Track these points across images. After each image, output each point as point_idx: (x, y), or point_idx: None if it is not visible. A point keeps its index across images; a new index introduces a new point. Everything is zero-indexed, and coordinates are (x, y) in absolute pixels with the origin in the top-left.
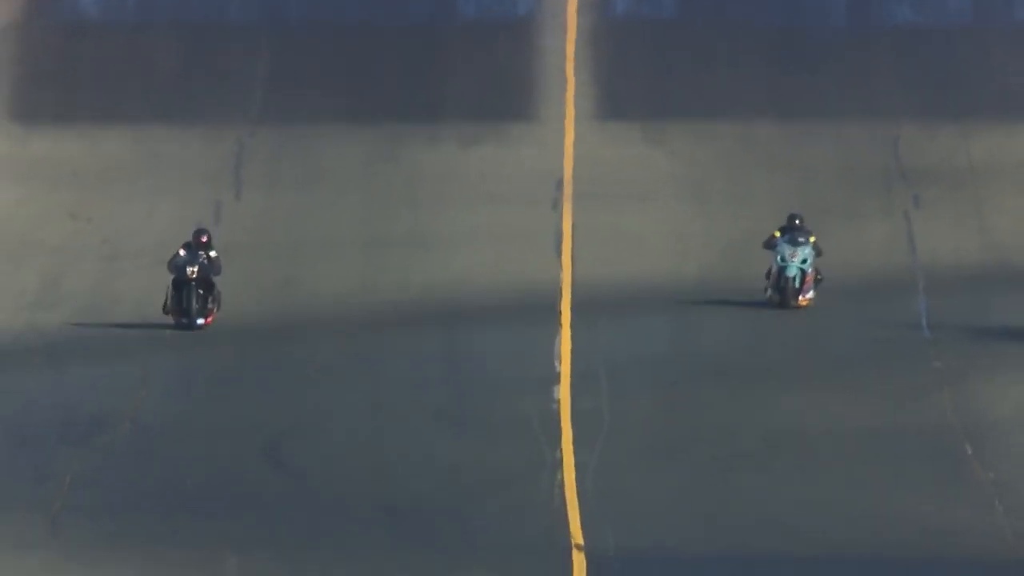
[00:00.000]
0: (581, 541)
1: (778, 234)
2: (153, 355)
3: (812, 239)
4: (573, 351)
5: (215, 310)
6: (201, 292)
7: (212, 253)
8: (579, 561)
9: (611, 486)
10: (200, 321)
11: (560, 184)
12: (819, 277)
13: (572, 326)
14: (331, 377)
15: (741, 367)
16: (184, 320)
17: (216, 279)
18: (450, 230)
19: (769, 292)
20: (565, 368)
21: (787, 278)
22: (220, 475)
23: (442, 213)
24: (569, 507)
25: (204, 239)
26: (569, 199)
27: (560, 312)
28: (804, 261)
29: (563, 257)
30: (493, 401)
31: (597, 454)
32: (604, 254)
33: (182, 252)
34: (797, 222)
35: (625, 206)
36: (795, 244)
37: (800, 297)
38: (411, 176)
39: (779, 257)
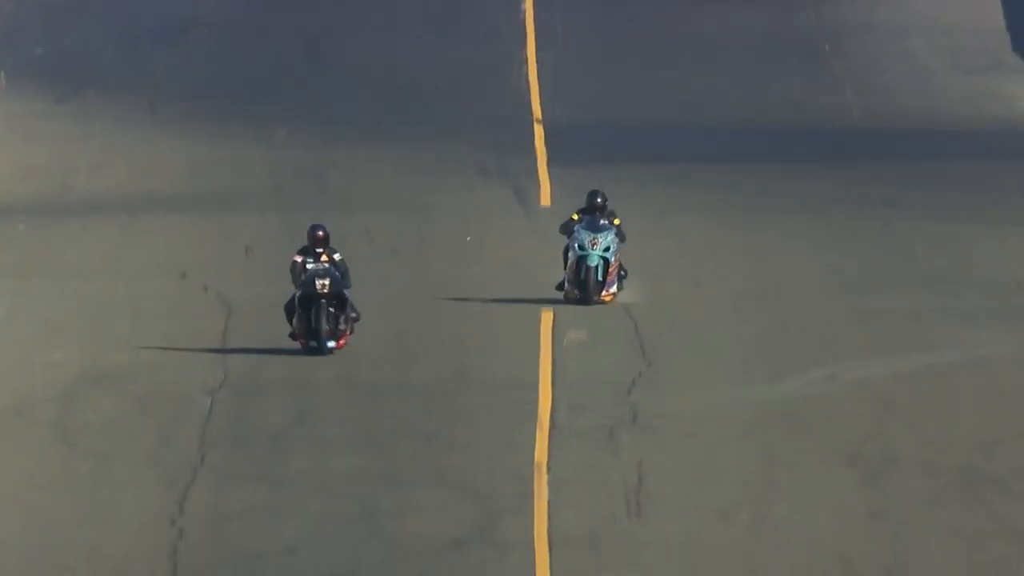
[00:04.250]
0: (540, 116)
1: (576, 216)
2: None
3: (616, 221)
4: None
5: (348, 332)
6: (332, 310)
7: (336, 256)
8: (539, 131)
9: (563, 78)
10: (331, 344)
11: None
12: (623, 273)
13: None
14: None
15: None
16: (313, 343)
17: (348, 292)
18: None
19: (567, 286)
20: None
21: (588, 268)
22: (273, 68)
23: None
24: (532, 93)
25: (321, 234)
26: None
27: None
28: (607, 249)
29: None
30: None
31: (553, 55)
32: None
33: (298, 259)
34: (599, 201)
35: None
36: (596, 230)
37: (604, 291)
38: None
39: (577, 245)
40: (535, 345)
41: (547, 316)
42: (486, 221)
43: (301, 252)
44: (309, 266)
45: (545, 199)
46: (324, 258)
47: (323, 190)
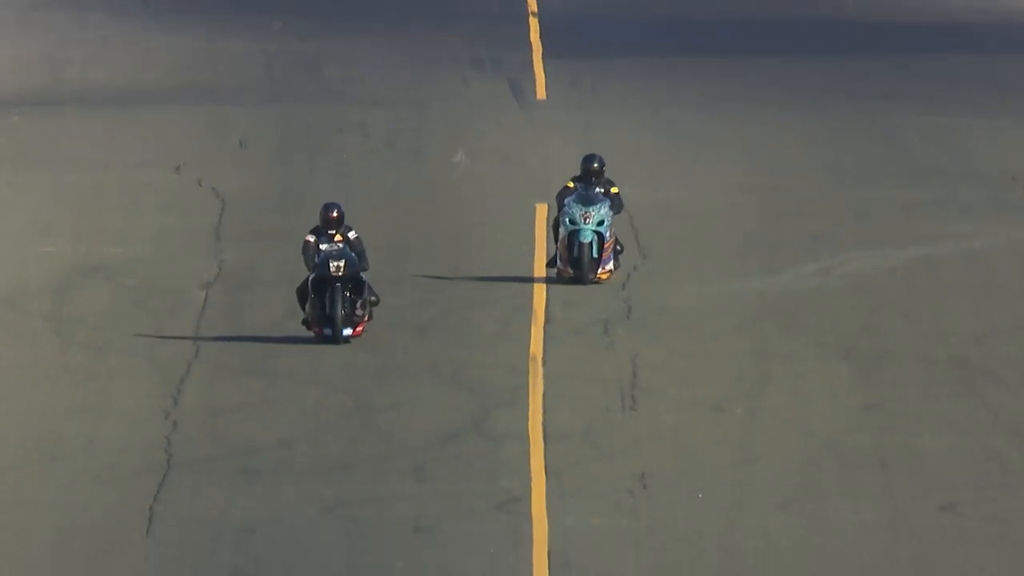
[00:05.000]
0: (535, 9)
1: (572, 184)
2: None
3: (615, 190)
4: None
5: (366, 318)
6: (348, 294)
7: (351, 234)
8: (534, 24)
9: None
10: (347, 332)
11: None
12: (619, 247)
13: None
14: None
15: None
16: (328, 331)
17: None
18: None
19: (559, 264)
20: None
21: (581, 245)
22: None
23: None
24: None
25: (335, 214)
26: None
27: None
28: (601, 223)
29: None
30: None
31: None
32: None
33: (311, 239)
34: (594, 166)
35: None
36: (588, 202)
37: (600, 269)
38: None
39: (568, 219)
40: (530, 238)
41: (541, 209)
42: (481, 115)
43: (313, 232)
44: (323, 247)
45: (540, 92)
46: (339, 239)
47: (318, 83)
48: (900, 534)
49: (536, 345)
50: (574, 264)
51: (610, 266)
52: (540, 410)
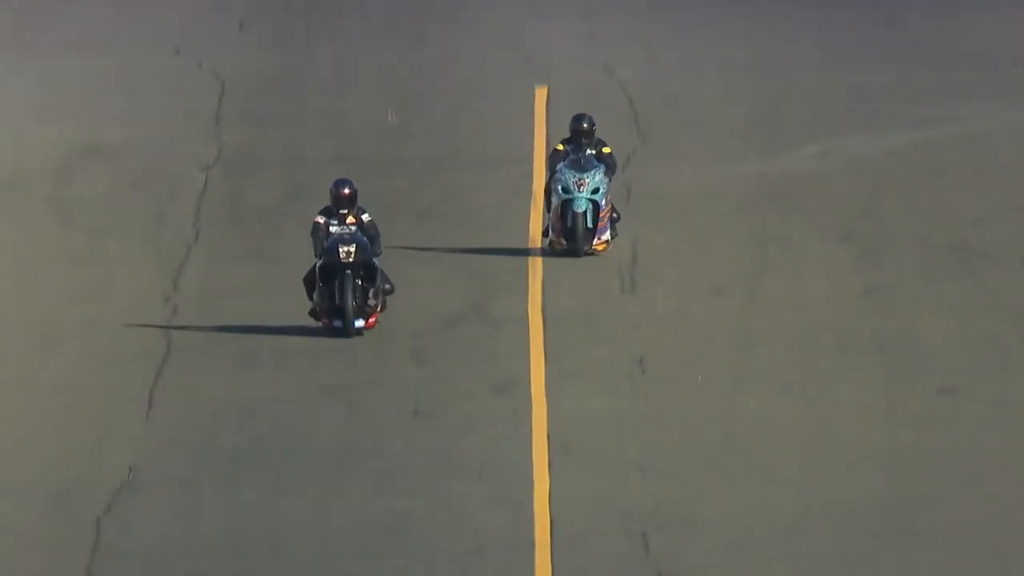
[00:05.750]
0: None
1: (561, 147)
2: None
3: (606, 150)
4: None
5: (379, 308)
6: (359, 282)
7: (365, 217)
8: None
9: None
10: (359, 323)
11: None
12: (615, 216)
13: None
14: None
15: None
16: (337, 323)
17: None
18: None
19: (551, 235)
20: None
21: (575, 215)
22: None
23: None
24: None
25: (347, 192)
26: None
27: None
28: (596, 191)
29: None
30: None
31: None
32: None
33: (320, 220)
34: (584, 126)
35: None
36: (581, 168)
37: (595, 239)
38: None
39: (561, 187)
40: (529, 121)
41: (541, 92)
42: None
43: (323, 213)
44: (333, 230)
45: None
46: (351, 220)
47: None
48: (899, 418)
49: (535, 228)
50: (568, 235)
51: (606, 236)
52: (539, 294)
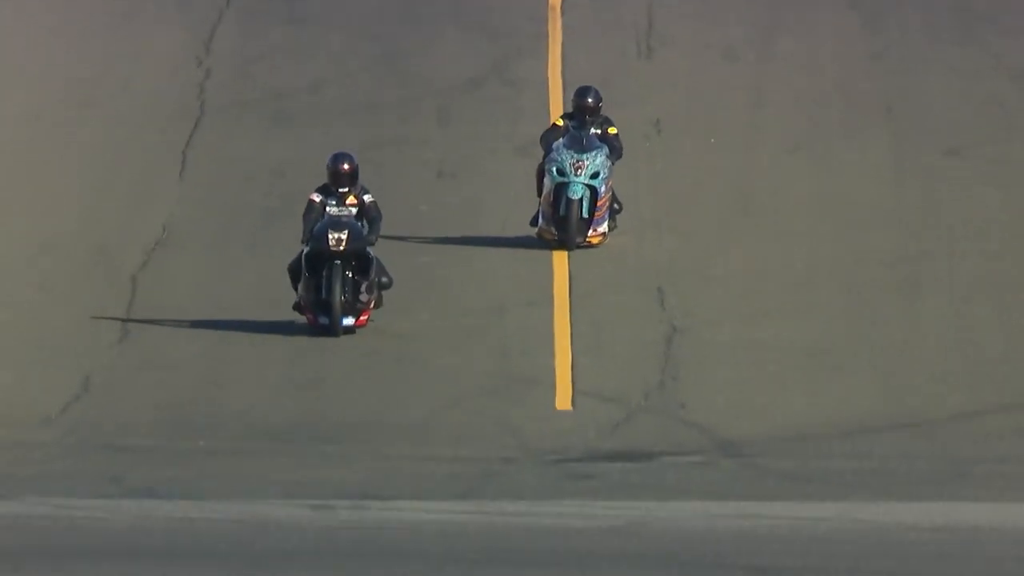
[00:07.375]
0: None
1: (561, 122)
2: None
3: (612, 130)
4: None
5: (372, 304)
6: (350, 275)
7: (367, 197)
8: None
9: None
10: (348, 321)
11: None
12: (616, 206)
13: None
14: None
15: None
16: (324, 320)
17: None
18: None
19: (541, 223)
20: None
21: (569, 202)
22: None
23: None
24: None
25: (346, 167)
26: None
27: None
28: (595, 176)
29: None
30: None
31: None
32: None
33: (316, 199)
34: (588, 101)
35: None
36: (581, 149)
37: (591, 231)
38: None
39: (555, 169)
40: None
41: None
42: None
43: (320, 191)
44: (331, 211)
45: None
46: (351, 200)
47: None
48: (905, 176)
49: None
50: (559, 225)
51: (603, 227)
52: (559, 58)
